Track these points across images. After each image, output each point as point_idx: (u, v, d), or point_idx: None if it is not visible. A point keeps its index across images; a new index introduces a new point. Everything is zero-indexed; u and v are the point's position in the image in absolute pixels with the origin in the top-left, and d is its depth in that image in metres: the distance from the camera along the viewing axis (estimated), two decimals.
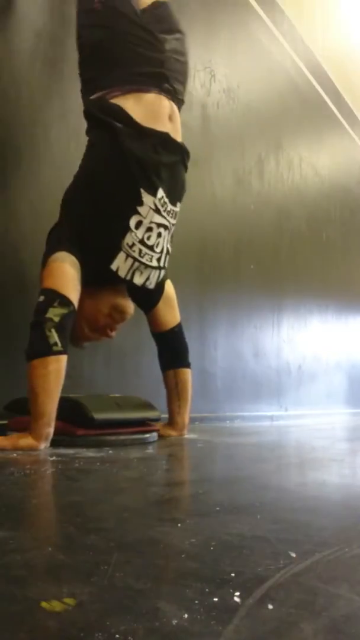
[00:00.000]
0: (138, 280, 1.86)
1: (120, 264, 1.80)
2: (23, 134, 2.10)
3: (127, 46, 1.88)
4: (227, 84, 3.33)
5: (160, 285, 2.02)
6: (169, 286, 2.11)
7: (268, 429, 2.94)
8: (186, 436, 2.17)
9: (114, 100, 1.82)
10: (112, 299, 1.85)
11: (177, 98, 1.96)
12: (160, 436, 2.05)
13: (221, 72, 3.27)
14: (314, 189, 4.54)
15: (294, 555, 0.64)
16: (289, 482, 1.31)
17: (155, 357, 2.18)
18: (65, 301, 1.63)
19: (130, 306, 1.90)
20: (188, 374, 2.18)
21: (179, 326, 2.16)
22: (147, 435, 1.90)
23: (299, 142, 4.30)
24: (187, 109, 2.97)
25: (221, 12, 3.30)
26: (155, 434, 1.97)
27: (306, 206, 4.39)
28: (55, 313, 1.60)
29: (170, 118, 1.91)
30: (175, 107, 1.94)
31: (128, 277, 1.83)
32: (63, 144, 2.20)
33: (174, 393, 2.16)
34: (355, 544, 0.71)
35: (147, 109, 1.84)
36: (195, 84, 3.05)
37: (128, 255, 1.80)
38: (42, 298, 1.63)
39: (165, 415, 2.16)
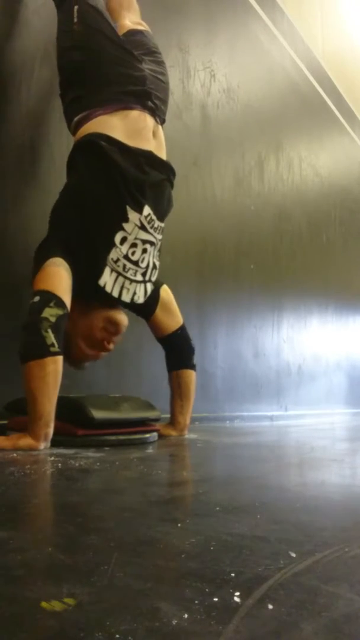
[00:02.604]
0: (126, 297, 1.87)
1: (107, 280, 1.80)
2: (23, 137, 2.10)
3: (109, 65, 1.91)
4: (227, 84, 3.33)
5: (153, 296, 2.02)
6: (165, 292, 2.11)
7: (268, 429, 2.94)
8: (186, 436, 2.17)
9: (99, 118, 1.84)
10: (105, 312, 1.84)
11: (159, 116, 1.99)
12: (161, 436, 2.05)
13: (221, 72, 3.27)
14: (314, 189, 4.54)
15: (294, 555, 0.64)
16: (289, 482, 1.31)
17: (155, 357, 2.18)
18: (60, 303, 1.62)
19: (123, 318, 1.88)
20: (191, 375, 2.19)
21: (181, 329, 2.16)
22: (147, 435, 1.90)
23: (299, 142, 4.30)
24: (187, 108, 2.99)
25: (221, 12, 3.30)
26: (155, 434, 1.97)
27: (306, 206, 4.39)
28: (51, 313, 1.58)
29: (154, 135, 1.94)
30: (158, 125, 1.97)
31: (115, 294, 1.83)
32: (64, 150, 2.20)
33: (177, 394, 2.17)
34: (355, 544, 0.71)
35: (131, 126, 1.86)
36: (195, 84, 3.06)
37: (112, 270, 1.81)
38: (37, 298, 1.62)
39: (165, 416, 2.16)
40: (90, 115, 1.86)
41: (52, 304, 1.60)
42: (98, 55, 1.91)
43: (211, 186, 3.17)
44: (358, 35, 5.71)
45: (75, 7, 1.92)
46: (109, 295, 1.82)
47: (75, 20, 1.91)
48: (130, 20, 2.23)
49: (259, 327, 3.69)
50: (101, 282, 1.79)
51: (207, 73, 3.16)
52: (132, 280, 1.87)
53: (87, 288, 1.77)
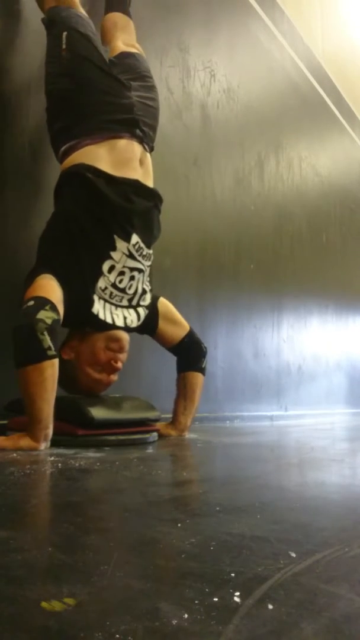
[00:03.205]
0: (118, 322, 1.87)
1: (98, 308, 1.81)
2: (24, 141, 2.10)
3: (96, 94, 1.91)
4: (227, 84, 3.33)
5: (151, 313, 2.01)
6: (162, 304, 2.09)
7: (268, 429, 2.94)
8: (186, 436, 2.17)
9: (86, 149, 1.85)
10: (103, 334, 1.84)
11: (148, 144, 1.99)
12: (161, 436, 2.05)
13: (221, 72, 3.27)
14: (314, 189, 4.54)
15: (294, 555, 0.64)
16: (289, 482, 1.31)
17: (155, 358, 2.19)
18: (55, 308, 1.60)
19: (123, 334, 1.88)
20: (198, 378, 2.19)
21: (188, 336, 2.16)
22: (147, 435, 1.90)
23: (299, 142, 4.30)
24: (187, 108, 2.99)
25: (221, 12, 3.30)
26: (155, 434, 1.97)
27: (306, 206, 4.39)
28: (47, 315, 1.55)
29: (142, 162, 1.94)
30: (146, 152, 1.98)
31: (109, 321, 1.83)
32: None
33: (182, 394, 2.17)
34: (355, 544, 0.71)
35: (119, 155, 1.87)
36: (195, 84, 3.06)
37: (100, 298, 1.82)
38: (30, 302, 1.59)
39: (165, 416, 2.16)
40: (77, 145, 1.86)
41: (47, 307, 1.58)
42: (86, 83, 1.90)
43: (211, 186, 3.17)
44: (358, 35, 5.71)
45: (64, 34, 1.90)
46: (103, 323, 1.83)
47: (64, 47, 1.89)
48: (124, 41, 2.22)
49: (259, 327, 3.69)
50: (94, 310, 1.80)
51: (207, 73, 3.16)
52: (117, 306, 1.87)
53: (81, 317, 1.78)
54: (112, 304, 1.86)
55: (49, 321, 1.55)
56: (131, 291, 1.90)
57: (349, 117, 5.31)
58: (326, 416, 4.32)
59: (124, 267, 1.85)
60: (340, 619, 0.48)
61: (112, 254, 1.82)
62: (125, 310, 1.90)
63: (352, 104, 5.36)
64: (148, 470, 1.33)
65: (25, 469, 1.22)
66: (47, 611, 0.47)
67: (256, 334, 3.64)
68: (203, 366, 2.20)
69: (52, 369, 1.56)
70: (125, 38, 2.24)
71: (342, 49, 5.37)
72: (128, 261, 1.86)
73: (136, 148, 1.93)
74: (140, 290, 1.94)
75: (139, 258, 1.89)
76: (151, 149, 2.03)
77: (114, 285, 1.84)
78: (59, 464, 1.30)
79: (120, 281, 1.86)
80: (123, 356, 1.88)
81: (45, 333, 1.53)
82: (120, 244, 1.83)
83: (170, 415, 2.20)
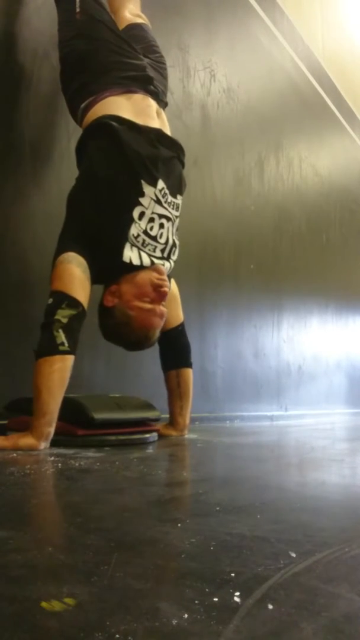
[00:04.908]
0: (151, 261, 1.83)
1: (130, 254, 1.79)
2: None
3: (111, 54, 1.95)
4: (227, 84, 3.33)
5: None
6: (173, 284, 2.11)
7: (268, 429, 2.94)
8: (186, 436, 2.17)
9: (106, 100, 1.87)
10: (142, 269, 1.81)
11: (162, 100, 2.04)
12: (161, 436, 2.05)
13: (221, 72, 3.27)
14: (314, 189, 4.54)
15: (294, 555, 0.64)
16: (289, 482, 1.31)
17: (155, 357, 2.17)
18: (73, 302, 1.64)
19: (160, 265, 1.84)
20: (190, 374, 2.19)
21: (182, 325, 2.17)
22: (147, 435, 1.90)
23: (299, 142, 4.30)
24: (187, 108, 2.98)
25: (221, 12, 3.30)
26: (155, 434, 1.97)
27: (306, 206, 4.39)
28: (63, 315, 1.61)
29: (159, 115, 1.97)
30: (160, 108, 2.01)
31: (147, 263, 1.80)
32: (64, 150, 2.20)
33: (176, 393, 2.16)
34: (355, 544, 0.71)
35: (137, 107, 1.90)
36: (195, 84, 3.06)
37: (133, 245, 1.80)
38: (50, 301, 1.65)
39: (165, 416, 2.16)
40: (97, 99, 1.89)
41: (64, 305, 1.62)
42: (100, 43, 1.94)
43: (211, 186, 3.17)
44: (358, 35, 5.71)
45: None
46: (137, 267, 1.80)
47: (78, 10, 1.95)
48: (130, 11, 2.26)
49: (259, 327, 3.68)
50: (125, 258, 1.78)
51: (207, 73, 3.16)
52: (150, 256, 1.84)
53: (114, 268, 1.78)
54: (145, 252, 1.83)
55: (64, 320, 1.61)
56: (162, 240, 1.88)
57: (349, 117, 5.31)
58: (326, 416, 4.32)
59: (152, 213, 1.84)
60: (340, 619, 0.48)
61: (141, 199, 1.81)
62: (158, 262, 1.87)
63: (352, 104, 5.36)
64: (148, 470, 1.33)
65: (25, 469, 1.22)
66: (47, 611, 0.47)
67: (256, 334, 3.64)
68: (191, 361, 2.20)
69: (62, 363, 1.58)
70: (130, 7, 2.27)
71: (342, 49, 5.37)
72: (156, 207, 1.84)
73: (151, 102, 1.96)
74: (171, 241, 1.92)
75: (166, 205, 1.88)
76: (165, 105, 2.06)
77: (145, 233, 1.82)
78: (59, 464, 1.30)
79: (151, 228, 1.84)
80: (166, 283, 1.84)
81: (60, 330, 1.60)
82: (148, 189, 1.82)
83: (168, 415, 2.20)
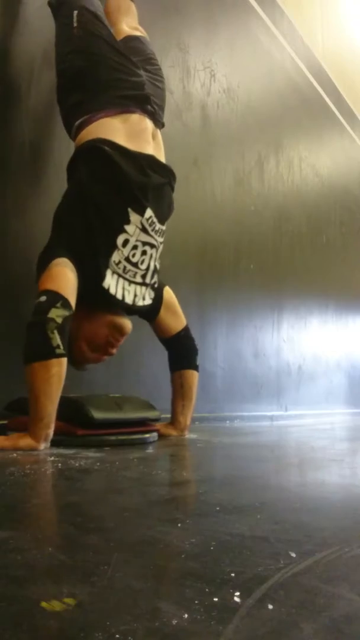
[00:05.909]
0: (128, 299, 1.86)
1: (110, 282, 1.80)
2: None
3: (108, 71, 1.92)
4: (227, 84, 3.33)
5: (156, 297, 2.02)
6: (167, 293, 2.11)
7: (268, 429, 2.94)
8: (186, 436, 2.17)
9: (101, 121, 1.86)
10: (109, 318, 1.84)
11: (158, 120, 2.01)
12: (161, 436, 2.05)
13: (221, 72, 3.27)
14: (313, 189, 4.54)
15: (294, 555, 0.64)
16: (289, 482, 1.31)
17: (155, 357, 2.18)
18: (66, 304, 1.61)
19: (127, 323, 1.88)
20: (194, 376, 2.19)
21: (184, 330, 2.17)
22: (147, 435, 1.90)
23: (299, 142, 4.30)
24: (187, 109, 2.98)
25: (221, 12, 3.30)
26: (155, 434, 1.97)
27: (306, 206, 4.39)
28: (57, 314, 1.57)
29: (154, 138, 1.96)
30: (157, 129, 1.99)
31: (119, 297, 1.83)
32: (64, 151, 2.20)
33: (179, 394, 2.17)
34: (355, 544, 0.71)
35: (132, 129, 1.88)
36: (195, 84, 3.06)
37: (114, 272, 1.81)
38: (43, 298, 1.60)
39: (165, 415, 2.16)
40: (91, 119, 1.87)
41: (58, 305, 1.58)
42: (98, 60, 1.92)
43: (211, 186, 3.17)
44: (358, 35, 5.71)
45: (75, 12, 1.93)
46: (113, 298, 1.81)
47: (75, 25, 1.92)
48: (127, 24, 2.24)
49: (259, 327, 3.68)
50: (105, 284, 1.79)
51: (207, 73, 3.16)
52: (130, 282, 1.86)
53: (91, 291, 1.76)
54: (125, 279, 1.84)
55: (59, 320, 1.56)
56: (143, 266, 1.89)
57: (349, 117, 5.31)
58: (326, 416, 4.32)
59: (137, 240, 1.84)
60: (340, 619, 0.48)
61: (126, 227, 1.81)
62: (137, 288, 1.89)
63: (352, 104, 5.37)
64: (148, 470, 1.33)
65: (25, 469, 1.22)
66: (47, 611, 0.47)
67: (256, 334, 3.64)
68: (197, 364, 2.21)
69: (59, 367, 1.56)
70: (128, 21, 2.26)
71: (342, 49, 5.38)
72: (141, 235, 1.85)
73: (148, 123, 1.94)
74: (152, 267, 1.93)
75: (152, 232, 1.88)
76: (162, 125, 2.05)
77: (127, 259, 1.83)
78: (59, 464, 1.30)
79: (133, 255, 1.84)
80: (120, 343, 1.89)
81: (55, 332, 1.55)
82: (135, 218, 1.82)
83: (170, 415, 2.20)
